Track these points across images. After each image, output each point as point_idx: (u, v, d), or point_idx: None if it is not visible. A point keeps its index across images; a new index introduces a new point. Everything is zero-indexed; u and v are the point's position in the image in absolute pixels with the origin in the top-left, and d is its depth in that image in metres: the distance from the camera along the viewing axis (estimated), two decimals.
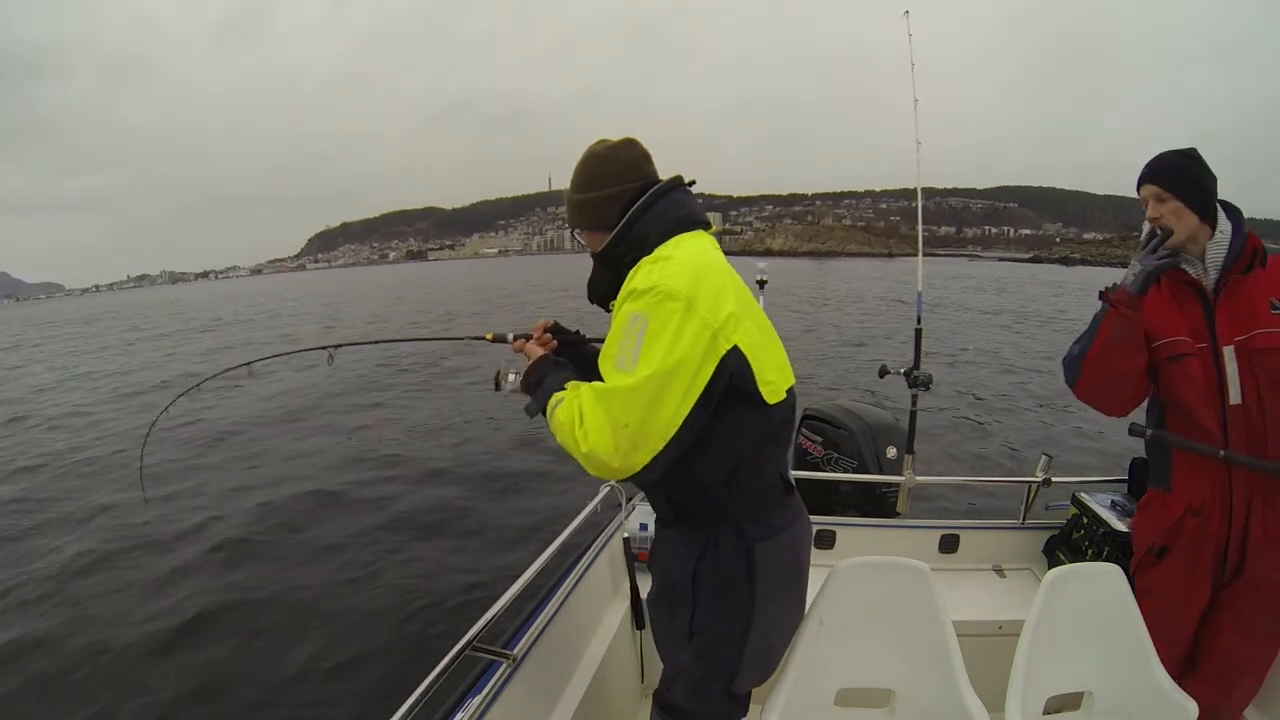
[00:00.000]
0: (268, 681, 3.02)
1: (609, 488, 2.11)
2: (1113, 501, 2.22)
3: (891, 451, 2.81)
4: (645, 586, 2.00)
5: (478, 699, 1.35)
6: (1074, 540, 2.26)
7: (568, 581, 1.80)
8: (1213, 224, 1.47)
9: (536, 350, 1.38)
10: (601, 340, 1.41)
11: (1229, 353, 1.45)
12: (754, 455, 1.17)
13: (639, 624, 2.02)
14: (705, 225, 1.24)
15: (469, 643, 1.34)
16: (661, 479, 1.13)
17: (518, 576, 1.52)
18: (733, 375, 1.09)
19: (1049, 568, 1.97)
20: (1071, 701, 1.44)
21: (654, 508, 1.32)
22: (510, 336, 1.48)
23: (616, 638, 1.90)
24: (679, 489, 1.18)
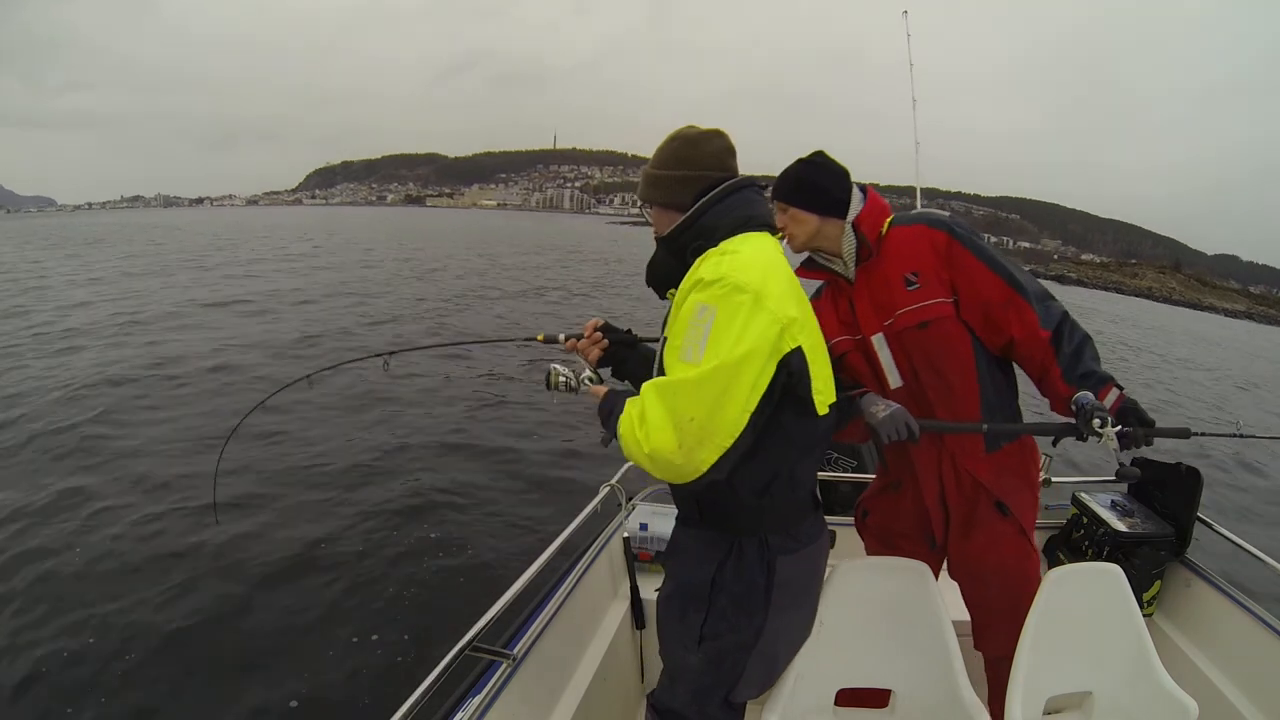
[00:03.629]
0: (266, 682, 3.01)
1: (609, 488, 2.11)
2: (1113, 501, 2.23)
3: None
4: (645, 586, 2.01)
5: (478, 699, 1.35)
6: (1074, 540, 2.27)
7: (568, 581, 1.80)
8: (843, 218, 1.47)
9: (591, 351, 1.42)
10: (654, 340, 1.43)
11: (878, 341, 1.49)
12: (792, 469, 1.16)
13: (639, 624, 2.02)
14: (772, 229, 1.22)
15: (469, 643, 1.34)
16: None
17: (518, 576, 1.52)
18: (791, 375, 1.06)
19: (1049, 568, 1.97)
20: (1071, 701, 1.44)
21: (677, 504, 1.30)
22: (562, 337, 1.51)
23: (616, 638, 1.90)
24: (710, 493, 1.13)
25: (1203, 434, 1.56)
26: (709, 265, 1.08)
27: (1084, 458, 6.05)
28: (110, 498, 4.89)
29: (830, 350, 1.42)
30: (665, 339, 1.14)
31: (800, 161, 1.50)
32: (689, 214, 1.18)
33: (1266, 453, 8.16)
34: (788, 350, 1.05)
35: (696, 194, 1.19)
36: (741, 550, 1.15)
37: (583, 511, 1.94)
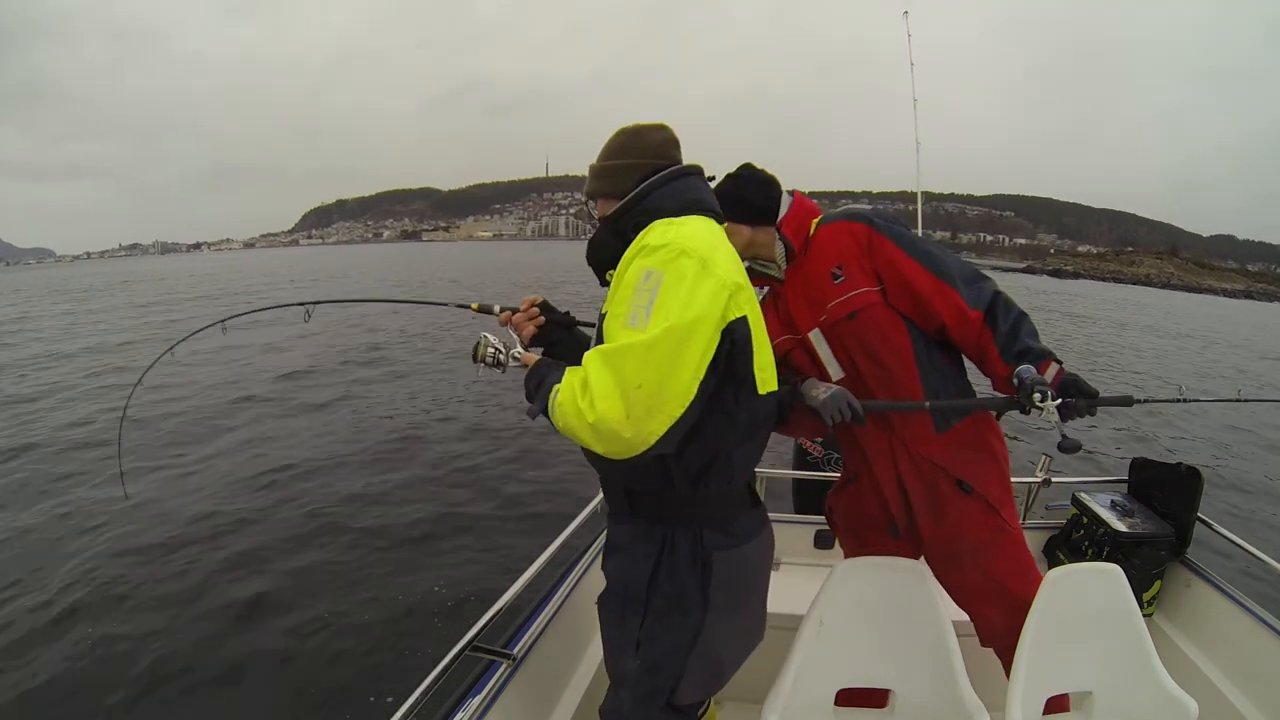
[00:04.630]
0: (265, 682, 3.02)
1: None
2: (1112, 502, 2.23)
3: None
4: None
5: (478, 699, 1.35)
6: (1074, 540, 2.27)
7: (568, 581, 1.80)
8: (772, 225, 1.53)
9: (525, 326, 1.35)
10: (591, 325, 1.39)
11: (815, 337, 1.52)
12: (730, 453, 1.12)
13: None
14: (719, 217, 1.21)
15: (469, 643, 1.34)
16: (630, 467, 1.03)
17: (518, 576, 1.52)
18: (734, 345, 1.04)
19: (1049, 568, 1.97)
20: (1071, 701, 1.44)
21: (607, 499, 1.26)
22: (497, 309, 1.43)
23: None
24: (643, 478, 1.11)
25: (1145, 400, 1.57)
26: (655, 233, 1.06)
27: (1084, 458, 6.05)
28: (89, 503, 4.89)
29: (774, 350, 1.41)
30: (604, 314, 1.09)
31: (728, 177, 1.54)
32: (634, 193, 1.16)
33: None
34: (733, 318, 1.03)
35: (639, 179, 1.17)
36: (674, 545, 1.11)
37: (583, 511, 1.94)
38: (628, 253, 1.08)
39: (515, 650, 1.48)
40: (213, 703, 2.90)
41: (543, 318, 1.38)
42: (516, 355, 1.28)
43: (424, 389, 8.46)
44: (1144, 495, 2.23)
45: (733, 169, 1.55)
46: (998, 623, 1.50)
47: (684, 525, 1.12)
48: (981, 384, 1.54)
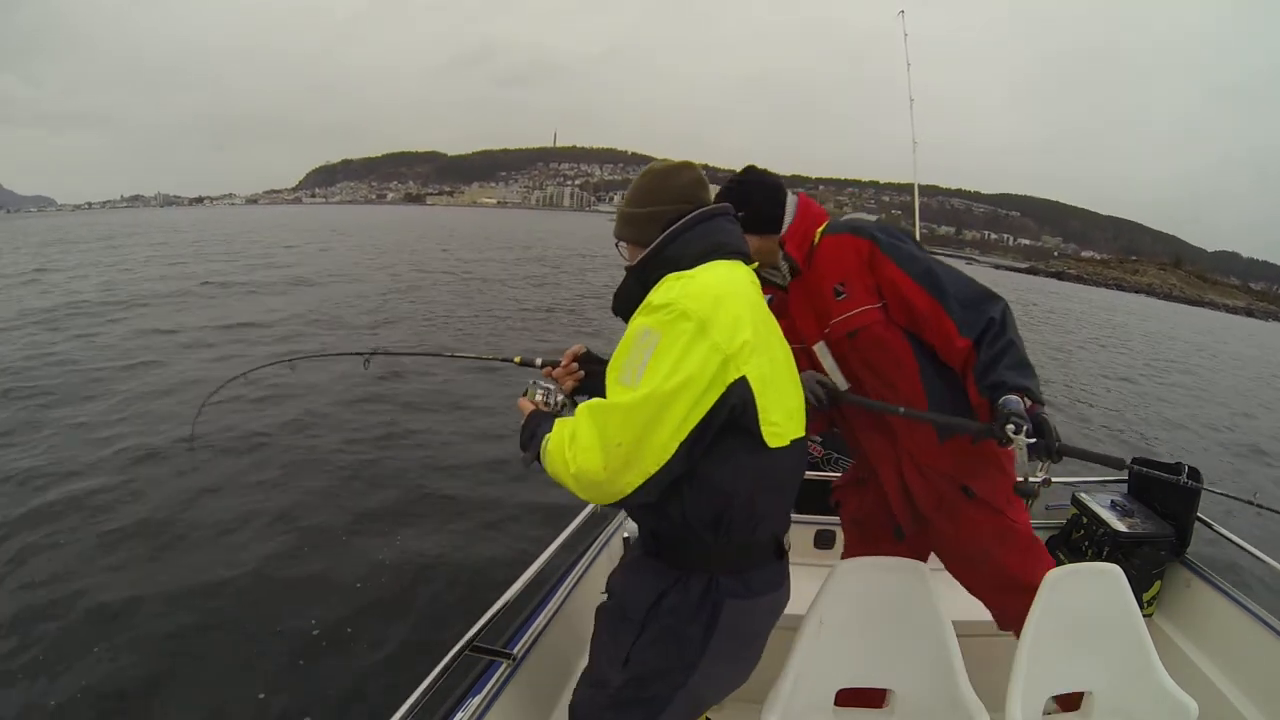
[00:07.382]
0: (265, 682, 3.01)
1: None
2: (1112, 502, 2.23)
3: None
4: None
5: (478, 699, 1.35)
6: (1074, 540, 2.27)
7: (568, 581, 1.81)
8: (777, 234, 1.49)
9: (566, 381, 1.42)
10: None
11: (820, 349, 1.53)
12: (748, 503, 1.11)
13: None
14: (745, 257, 1.21)
15: (469, 643, 1.34)
16: (647, 510, 1.10)
17: (518, 576, 1.53)
18: (734, 407, 1.04)
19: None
20: (1072, 701, 1.44)
21: (639, 532, 1.28)
22: (538, 362, 1.52)
23: None
24: (664, 524, 1.12)
25: (1144, 469, 1.56)
26: (661, 290, 1.08)
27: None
28: (89, 479, 4.89)
29: None
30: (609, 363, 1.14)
31: (732, 181, 1.51)
32: (655, 244, 1.17)
33: None
34: (732, 380, 1.03)
35: (663, 226, 1.17)
36: (687, 585, 1.11)
37: (583, 511, 1.95)
38: (641, 306, 1.10)
39: (515, 650, 1.48)
40: (211, 703, 2.90)
41: (582, 372, 1.43)
42: (562, 403, 1.36)
43: (427, 396, 8.46)
44: (1144, 495, 2.24)
45: (738, 170, 1.54)
46: (1018, 608, 1.46)
47: (700, 570, 1.12)
48: None
